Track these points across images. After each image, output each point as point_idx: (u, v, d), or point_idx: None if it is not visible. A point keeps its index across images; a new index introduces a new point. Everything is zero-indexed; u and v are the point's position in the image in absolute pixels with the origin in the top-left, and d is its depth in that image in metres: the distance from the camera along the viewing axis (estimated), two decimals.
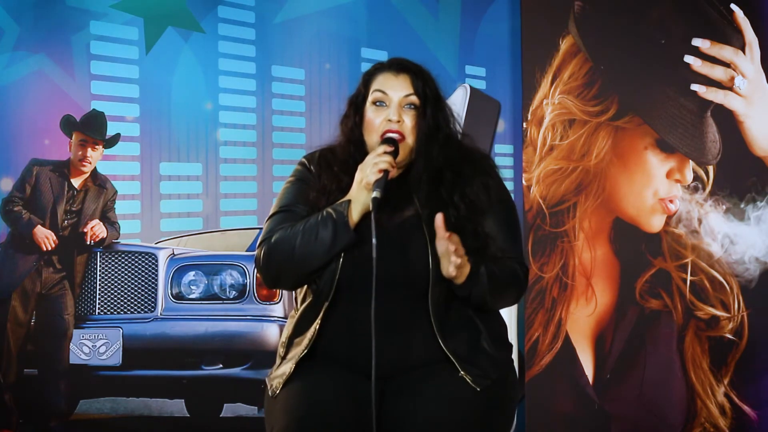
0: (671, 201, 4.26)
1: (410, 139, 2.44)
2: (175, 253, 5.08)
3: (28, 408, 5.03)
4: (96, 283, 5.08)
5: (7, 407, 4.99)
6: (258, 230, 5.12)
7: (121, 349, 4.98)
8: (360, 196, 2.36)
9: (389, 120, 2.43)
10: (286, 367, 2.41)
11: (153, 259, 5.06)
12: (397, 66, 2.49)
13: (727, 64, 4.18)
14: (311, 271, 2.39)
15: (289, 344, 2.46)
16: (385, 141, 2.40)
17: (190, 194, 5.23)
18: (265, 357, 4.82)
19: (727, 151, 4.21)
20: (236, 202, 5.24)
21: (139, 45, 5.18)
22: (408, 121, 2.44)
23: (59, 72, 5.19)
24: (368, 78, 2.50)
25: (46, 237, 5.01)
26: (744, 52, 4.17)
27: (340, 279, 2.37)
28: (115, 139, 5.13)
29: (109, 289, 5.07)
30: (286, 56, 5.18)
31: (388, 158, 2.35)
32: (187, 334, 4.94)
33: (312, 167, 2.51)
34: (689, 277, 4.23)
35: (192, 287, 5.02)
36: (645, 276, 4.27)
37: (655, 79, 4.23)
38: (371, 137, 2.45)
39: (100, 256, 5.10)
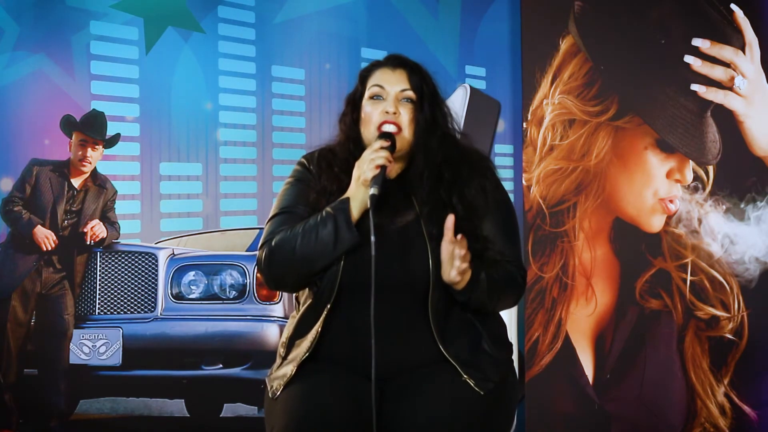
0: (671, 201, 4.26)
1: (407, 132, 2.43)
2: (175, 253, 5.08)
3: (28, 408, 5.02)
4: (96, 283, 5.08)
5: (7, 407, 4.99)
6: (258, 230, 5.12)
7: (121, 349, 4.98)
8: (358, 194, 2.36)
9: (386, 112, 2.42)
10: (288, 369, 2.40)
11: (153, 259, 5.06)
12: (394, 61, 2.49)
13: (727, 64, 4.18)
14: (314, 272, 2.38)
15: (290, 345, 2.45)
16: (382, 136, 2.40)
17: (190, 194, 5.23)
18: (265, 357, 4.81)
19: (727, 151, 4.21)
20: (236, 202, 5.24)
21: (139, 45, 5.18)
22: (405, 114, 2.43)
23: (59, 72, 5.19)
24: (365, 75, 2.50)
25: (46, 237, 5.01)
26: (744, 52, 4.17)
27: (341, 282, 2.37)
28: (115, 139, 5.13)
29: (109, 289, 5.07)
30: (286, 56, 5.18)
31: (385, 153, 2.35)
32: (187, 334, 4.94)
33: (312, 167, 2.51)
34: (689, 277, 4.23)
35: (192, 287, 5.02)
36: (645, 276, 4.27)
37: (655, 79, 4.23)
38: (368, 131, 2.45)
39: (100, 256, 5.10)
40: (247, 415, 5.01)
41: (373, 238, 2.27)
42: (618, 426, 4.29)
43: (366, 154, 2.36)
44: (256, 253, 2.46)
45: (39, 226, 5.02)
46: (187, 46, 5.18)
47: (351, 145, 2.47)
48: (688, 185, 4.25)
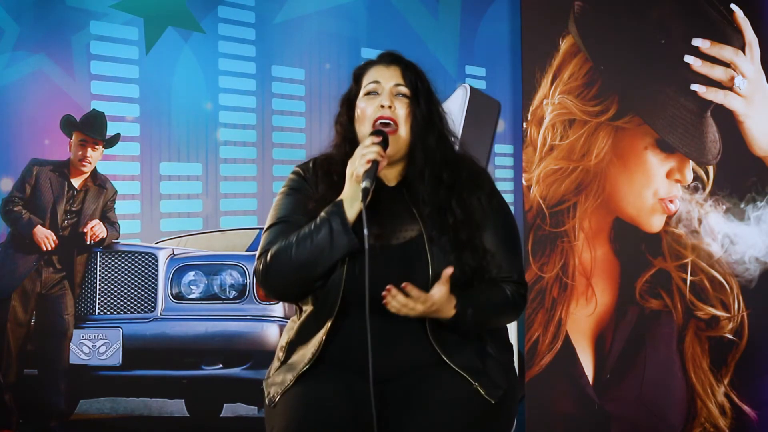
0: (671, 201, 4.26)
1: (403, 129, 2.40)
2: (175, 253, 5.08)
3: (28, 408, 5.02)
4: (96, 283, 5.08)
5: (7, 407, 4.99)
6: (258, 230, 5.12)
7: (121, 349, 4.98)
8: (351, 192, 2.31)
9: (381, 106, 2.39)
10: (287, 377, 2.38)
11: (153, 259, 5.06)
12: (387, 58, 2.47)
13: (727, 64, 4.18)
14: (313, 279, 2.34)
15: (290, 350, 2.43)
16: (373, 133, 2.36)
17: (190, 194, 5.24)
18: (265, 357, 4.81)
19: (727, 151, 4.21)
20: (236, 202, 5.24)
21: (139, 45, 5.18)
22: (400, 109, 2.40)
23: (59, 72, 5.19)
24: (359, 73, 2.48)
25: (46, 237, 5.01)
26: (744, 52, 4.17)
27: (345, 290, 2.33)
28: (115, 139, 5.13)
29: (109, 289, 5.07)
30: (286, 56, 5.18)
31: (377, 148, 2.31)
32: (187, 334, 4.94)
33: (308, 176, 2.46)
34: (689, 277, 4.23)
35: (192, 287, 5.02)
36: (645, 276, 4.27)
37: (655, 79, 4.23)
38: (364, 127, 2.41)
39: (100, 256, 5.10)
40: (247, 415, 5.01)
41: (366, 231, 2.23)
42: (618, 426, 4.30)
43: (358, 151, 2.32)
44: (256, 253, 2.43)
45: (39, 226, 5.02)
46: (187, 46, 5.18)
47: (347, 146, 2.43)
48: (688, 185, 4.25)
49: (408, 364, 2.37)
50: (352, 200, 2.31)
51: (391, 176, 2.44)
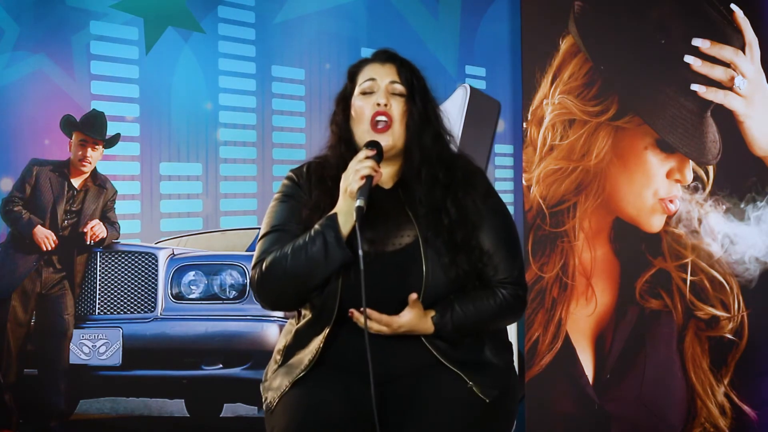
0: (671, 201, 4.26)
1: (399, 126, 2.38)
2: (175, 253, 5.08)
3: (28, 408, 5.02)
4: (96, 283, 5.08)
5: (7, 407, 4.99)
6: (258, 230, 5.12)
7: (121, 349, 4.98)
8: (345, 206, 2.29)
9: (377, 104, 2.38)
10: (283, 382, 2.37)
11: (153, 259, 5.06)
12: (382, 56, 2.45)
13: (727, 64, 4.18)
14: (307, 291, 2.33)
15: (288, 354, 2.42)
16: (368, 145, 2.34)
17: (190, 194, 5.24)
18: (265, 357, 4.78)
19: (727, 151, 4.21)
20: (236, 202, 5.24)
21: (139, 45, 5.18)
22: (396, 107, 2.38)
23: (59, 72, 5.19)
24: (354, 71, 2.46)
25: (46, 237, 5.01)
26: (744, 52, 4.17)
27: (341, 299, 2.32)
28: (115, 139, 5.13)
29: (109, 289, 5.07)
30: (286, 56, 5.18)
31: (370, 163, 2.28)
32: (187, 334, 4.94)
33: (301, 182, 2.44)
34: (689, 277, 4.23)
35: (192, 287, 5.02)
36: (645, 276, 4.27)
37: (655, 79, 4.23)
38: (360, 127, 2.39)
39: (100, 256, 5.10)
40: (247, 415, 5.01)
41: (360, 252, 2.21)
42: (618, 426, 4.29)
43: (351, 165, 2.29)
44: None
45: (39, 226, 5.02)
46: (187, 46, 5.18)
47: (343, 146, 2.41)
48: (688, 185, 4.25)
49: (406, 366, 2.37)
50: (346, 215, 2.29)
51: (386, 177, 2.43)
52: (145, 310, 5.02)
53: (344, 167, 2.33)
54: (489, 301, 2.37)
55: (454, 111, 4.70)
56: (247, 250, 5.08)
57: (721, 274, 4.20)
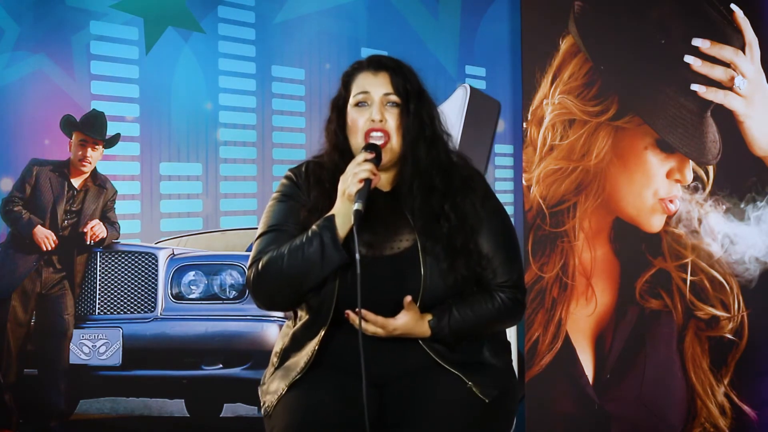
0: (671, 201, 4.26)
1: (396, 138, 2.38)
2: (175, 253, 5.08)
3: (28, 408, 5.02)
4: (96, 283, 5.08)
5: (7, 407, 4.99)
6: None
7: (121, 349, 4.98)
8: (343, 209, 2.29)
9: (372, 120, 2.37)
10: (280, 386, 2.37)
11: (153, 259, 5.06)
12: (375, 65, 2.43)
13: (727, 64, 4.18)
14: (303, 292, 2.33)
15: (284, 356, 2.43)
16: (366, 148, 2.35)
17: (190, 194, 5.24)
18: (265, 357, 4.78)
19: (727, 151, 4.21)
20: (236, 202, 5.24)
21: (139, 45, 5.18)
22: (391, 120, 2.38)
23: (59, 72, 5.19)
24: (347, 79, 2.45)
25: (46, 237, 5.01)
26: (744, 52, 4.17)
27: (338, 301, 2.33)
28: (115, 139, 5.13)
29: (109, 289, 5.07)
30: (286, 56, 5.18)
31: (369, 166, 2.29)
32: (187, 334, 4.94)
33: (299, 182, 2.44)
34: (689, 277, 4.23)
35: (192, 287, 5.02)
36: (645, 276, 4.27)
37: (655, 79, 4.23)
38: (355, 139, 2.39)
39: (100, 256, 5.10)
40: (247, 415, 5.01)
41: (357, 256, 2.21)
42: (618, 426, 4.29)
43: (350, 168, 2.30)
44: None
45: (39, 226, 5.02)
46: (187, 46, 5.18)
47: (337, 155, 2.41)
48: (688, 185, 4.25)
49: (404, 368, 2.37)
50: (344, 217, 2.29)
51: (385, 181, 2.43)
52: (145, 310, 5.02)
53: (339, 174, 2.34)
54: (487, 305, 2.38)
55: (454, 111, 4.70)
56: (246, 250, 5.07)
57: (721, 274, 4.20)
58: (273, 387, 2.39)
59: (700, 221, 4.23)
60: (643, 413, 4.27)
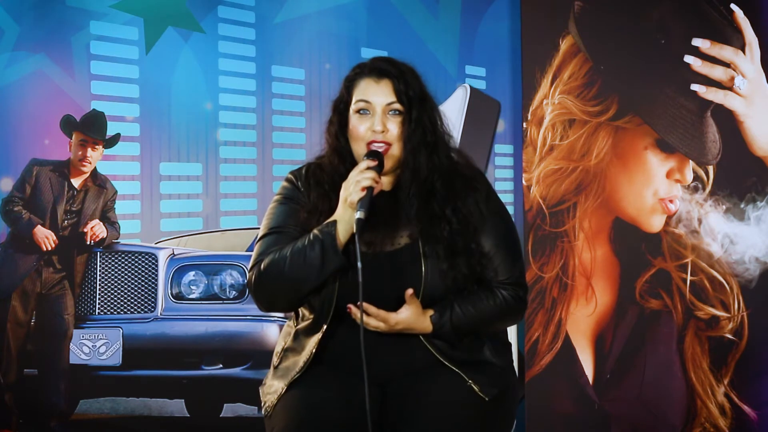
0: (671, 201, 4.26)
1: (397, 148, 2.38)
2: (175, 253, 5.08)
3: (28, 408, 5.02)
4: (96, 283, 5.08)
5: (7, 407, 4.99)
6: (258, 230, 5.12)
7: (121, 349, 4.98)
8: (345, 216, 2.29)
9: (374, 131, 2.36)
10: (279, 386, 2.38)
11: (153, 259, 5.06)
12: (378, 72, 2.41)
13: (727, 64, 4.18)
14: (303, 294, 2.34)
15: (284, 357, 2.44)
16: (369, 155, 2.34)
17: (190, 194, 5.24)
18: (265, 357, 4.79)
19: (727, 151, 4.21)
20: (236, 202, 5.24)
21: (139, 45, 5.18)
22: (393, 129, 2.37)
23: (59, 72, 5.19)
24: (350, 84, 2.43)
25: (46, 237, 5.01)
26: (744, 52, 4.17)
27: (337, 303, 2.33)
28: (115, 139, 5.13)
29: (109, 289, 5.07)
30: (286, 56, 5.18)
31: (371, 174, 2.29)
32: (187, 334, 4.94)
33: (300, 184, 2.45)
34: (689, 277, 4.23)
35: (192, 287, 5.02)
36: (645, 276, 4.27)
37: (655, 79, 4.23)
38: (358, 145, 2.39)
39: (100, 256, 5.10)
40: (247, 415, 5.01)
41: (359, 264, 2.22)
42: (618, 426, 4.29)
43: (352, 175, 2.30)
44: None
45: (39, 226, 5.02)
46: (187, 46, 5.18)
47: (337, 158, 2.42)
48: (688, 185, 4.25)
49: (405, 366, 2.38)
50: (345, 224, 2.29)
51: (387, 182, 2.43)
52: (145, 310, 5.02)
53: (339, 178, 2.35)
54: (489, 301, 2.38)
55: (454, 111, 4.70)
56: (247, 250, 5.07)
57: (721, 274, 4.20)
58: (273, 387, 2.40)
59: (700, 221, 4.23)
60: (643, 413, 4.27)
